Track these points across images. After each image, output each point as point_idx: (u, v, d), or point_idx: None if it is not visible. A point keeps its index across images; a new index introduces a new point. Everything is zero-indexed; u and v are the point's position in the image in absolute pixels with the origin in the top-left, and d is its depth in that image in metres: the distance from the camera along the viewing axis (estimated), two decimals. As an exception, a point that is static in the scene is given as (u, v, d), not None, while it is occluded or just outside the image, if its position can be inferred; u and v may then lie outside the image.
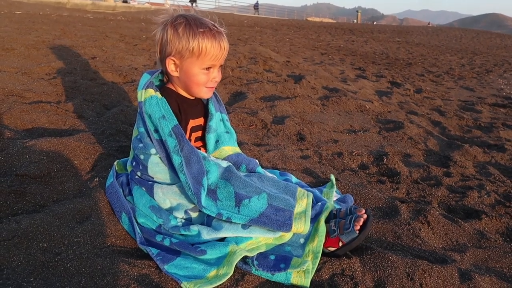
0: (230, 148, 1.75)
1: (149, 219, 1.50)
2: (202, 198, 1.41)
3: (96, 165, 1.86)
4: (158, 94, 1.57)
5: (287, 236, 1.44)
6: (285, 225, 1.38)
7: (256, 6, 46.71)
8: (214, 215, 1.41)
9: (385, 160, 2.52)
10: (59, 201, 1.57)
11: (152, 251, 1.33)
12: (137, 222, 1.49)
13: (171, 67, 1.57)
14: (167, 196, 1.50)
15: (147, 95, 1.55)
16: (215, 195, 1.45)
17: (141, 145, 1.57)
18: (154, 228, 1.48)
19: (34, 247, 1.28)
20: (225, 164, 1.57)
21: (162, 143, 1.50)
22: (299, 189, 1.52)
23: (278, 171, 2.05)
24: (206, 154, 1.58)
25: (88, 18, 10.21)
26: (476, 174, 2.53)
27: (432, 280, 1.36)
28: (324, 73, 5.93)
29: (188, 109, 1.67)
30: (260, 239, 1.41)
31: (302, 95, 3.86)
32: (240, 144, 2.35)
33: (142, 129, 1.57)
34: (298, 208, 1.44)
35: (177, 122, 1.52)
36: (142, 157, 1.56)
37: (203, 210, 1.41)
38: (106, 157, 1.92)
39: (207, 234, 1.38)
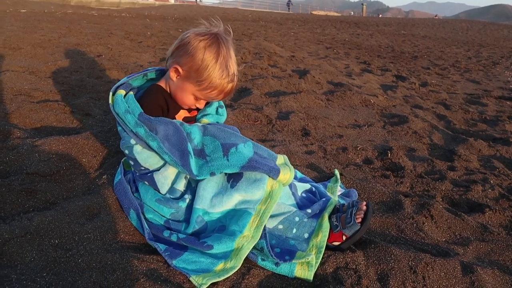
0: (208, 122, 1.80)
1: (157, 214, 1.53)
2: (192, 167, 1.44)
3: (104, 162, 1.90)
4: (128, 94, 1.62)
5: (276, 188, 1.45)
6: (274, 169, 1.42)
7: (289, 3, 50.17)
8: (208, 177, 1.44)
9: (389, 154, 2.53)
10: (68, 198, 1.61)
11: (160, 247, 1.37)
12: (145, 218, 1.52)
13: (173, 74, 1.61)
14: (168, 176, 1.54)
15: (115, 97, 1.61)
16: (203, 153, 1.47)
17: (122, 141, 1.63)
18: (162, 223, 1.51)
19: (46, 244, 1.32)
20: (201, 124, 1.62)
21: (136, 135, 1.54)
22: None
23: (282, 167, 2.07)
24: (181, 121, 1.61)
25: (92, 15, 10.26)
26: (480, 167, 2.54)
27: (435, 273, 1.39)
28: (329, 67, 5.92)
29: (177, 106, 1.72)
30: (259, 207, 1.42)
31: (306, 90, 3.87)
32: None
33: (119, 127, 1.62)
34: (279, 161, 1.50)
35: (141, 111, 1.54)
36: (127, 152, 1.61)
37: (197, 178, 1.44)
38: (113, 154, 1.96)
39: (206, 194, 1.44)
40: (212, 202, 1.42)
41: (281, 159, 1.54)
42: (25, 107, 2.31)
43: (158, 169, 1.56)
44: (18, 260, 1.25)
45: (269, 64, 5.18)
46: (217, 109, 1.84)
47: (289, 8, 49.25)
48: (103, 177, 1.76)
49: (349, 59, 7.73)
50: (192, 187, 1.52)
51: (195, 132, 1.51)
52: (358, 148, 2.59)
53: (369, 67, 6.97)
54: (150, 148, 1.52)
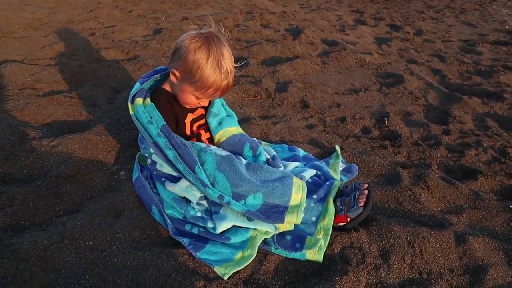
0: (234, 129, 1.90)
1: (175, 210, 1.66)
2: (203, 179, 1.55)
3: (118, 157, 2.01)
4: (146, 101, 1.72)
5: (287, 228, 1.56)
6: (278, 219, 1.51)
7: None
8: (216, 195, 1.53)
9: (386, 122, 2.64)
10: (92, 197, 1.74)
11: (184, 241, 1.51)
12: (165, 213, 1.66)
13: (172, 77, 1.70)
14: (177, 193, 1.67)
15: (134, 106, 1.71)
16: (214, 185, 1.58)
17: (143, 145, 1.77)
18: (181, 218, 1.64)
19: (82, 246, 1.47)
20: (224, 153, 1.65)
21: (155, 144, 1.65)
22: (295, 181, 1.58)
23: (286, 146, 2.19)
24: (204, 145, 1.68)
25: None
26: (474, 128, 2.66)
27: (431, 246, 1.56)
28: (322, 22, 5.87)
29: (182, 108, 1.81)
30: None
31: (302, 54, 3.90)
32: (248, 118, 2.49)
33: (140, 135, 1.75)
34: (292, 202, 1.54)
35: (164, 123, 1.65)
36: (147, 155, 1.76)
37: (207, 190, 1.53)
38: (126, 148, 2.06)
39: (221, 228, 1.53)
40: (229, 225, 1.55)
41: (296, 200, 1.55)
42: (33, 103, 2.38)
43: (170, 180, 1.68)
44: (61, 264, 1.40)
45: (261, 25, 5.14)
46: (223, 106, 1.94)
47: None
48: (121, 173, 1.88)
49: (342, 8, 7.60)
50: (206, 211, 1.63)
51: (209, 162, 1.58)
52: (356, 117, 2.69)
53: (362, 16, 6.89)
54: (165, 158, 1.62)
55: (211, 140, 1.88)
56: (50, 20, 4.20)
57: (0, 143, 1.93)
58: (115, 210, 1.67)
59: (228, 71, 1.65)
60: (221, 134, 1.83)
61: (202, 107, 1.89)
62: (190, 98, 1.73)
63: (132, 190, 1.77)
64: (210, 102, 1.89)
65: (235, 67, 1.72)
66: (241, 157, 1.70)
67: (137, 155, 1.91)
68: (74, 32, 3.86)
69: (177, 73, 1.67)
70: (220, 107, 1.94)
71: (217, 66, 1.61)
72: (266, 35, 4.60)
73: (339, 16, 6.63)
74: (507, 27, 6.60)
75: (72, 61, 3.09)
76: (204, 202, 1.64)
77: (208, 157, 1.60)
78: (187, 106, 1.81)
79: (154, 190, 1.74)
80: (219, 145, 1.82)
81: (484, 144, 2.39)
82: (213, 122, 1.87)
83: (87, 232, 1.52)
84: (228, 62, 1.64)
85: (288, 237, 1.54)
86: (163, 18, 4.79)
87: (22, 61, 3.04)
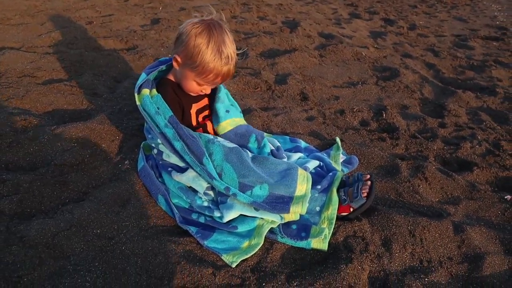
0: (240, 120, 1.92)
1: (181, 199, 1.69)
2: (210, 171, 1.58)
3: (122, 146, 2.01)
4: (152, 92, 1.73)
5: (292, 218, 1.59)
6: (284, 209, 1.54)
7: None
8: (223, 187, 1.56)
9: (384, 115, 2.69)
10: (98, 186, 1.75)
11: (192, 230, 1.54)
12: (172, 202, 1.68)
13: (174, 63, 1.71)
14: (184, 183, 1.69)
15: (141, 97, 1.71)
16: (221, 177, 1.60)
17: (150, 135, 1.77)
18: (187, 207, 1.67)
19: (90, 234, 1.49)
20: (230, 145, 1.68)
21: (163, 135, 1.66)
22: (300, 173, 1.62)
23: (288, 137, 2.22)
24: (212, 136, 1.70)
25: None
26: (468, 122, 2.72)
27: (431, 235, 1.60)
28: (318, 15, 5.88)
29: (188, 95, 1.82)
30: None
31: (299, 47, 3.91)
32: (249, 110, 2.50)
33: (147, 126, 1.76)
34: (298, 193, 1.57)
35: (172, 114, 1.66)
36: (153, 145, 1.77)
37: (214, 181, 1.57)
38: (130, 137, 2.07)
39: (228, 217, 1.56)
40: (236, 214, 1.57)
41: (301, 191, 1.58)
42: (33, 91, 2.37)
43: (176, 170, 1.70)
44: (69, 252, 1.41)
45: (258, 17, 5.13)
46: (227, 95, 1.95)
47: None
48: (125, 162, 1.89)
49: (336, 1, 7.60)
50: (212, 201, 1.66)
51: (217, 153, 1.60)
52: (355, 110, 2.73)
53: (357, 10, 6.91)
54: (173, 149, 1.64)
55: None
56: (46, 8, 4.15)
57: (3, 131, 1.93)
58: (121, 198, 1.68)
59: (229, 57, 1.65)
60: (228, 123, 1.83)
61: (206, 95, 1.90)
62: (192, 84, 1.74)
63: (137, 179, 1.78)
64: (216, 88, 1.90)
65: (237, 54, 1.73)
66: (247, 150, 1.73)
67: (141, 145, 1.92)
68: (71, 20, 3.82)
69: (178, 59, 1.68)
70: (224, 96, 1.96)
71: (218, 52, 1.63)
72: (264, 27, 4.60)
73: (334, 9, 6.65)
74: (497, 22, 6.69)
75: (71, 50, 3.07)
76: (210, 192, 1.66)
77: (216, 148, 1.62)
78: (190, 94, 1.82)
79: (159, 179, 1.76)
80: (225, 133, 1.82)
81: (479, 137, 2.45)
82: (221, 108, 1.86)
83: (94, 220, 1.54)
84: (229, 48, 1.65)
85: (294, 227, 1.58)
86: (160, 8, 4.76)
87: (20, 48, 3.01)
